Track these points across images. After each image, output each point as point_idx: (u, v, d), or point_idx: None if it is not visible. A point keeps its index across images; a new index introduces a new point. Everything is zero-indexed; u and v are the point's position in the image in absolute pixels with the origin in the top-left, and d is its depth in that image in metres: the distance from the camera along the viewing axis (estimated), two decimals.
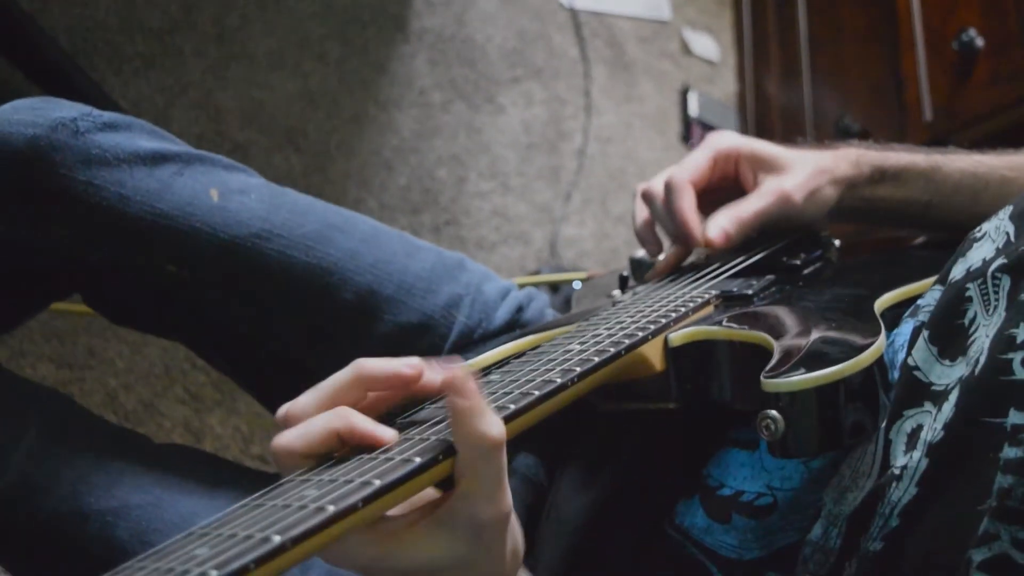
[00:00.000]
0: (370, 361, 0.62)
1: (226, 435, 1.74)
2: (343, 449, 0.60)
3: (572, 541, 0.88)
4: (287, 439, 0.59)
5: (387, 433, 0.60)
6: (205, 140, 1.92)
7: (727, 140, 0.99)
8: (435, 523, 0.59)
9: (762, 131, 2.58)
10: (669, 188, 0.97)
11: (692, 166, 0.98)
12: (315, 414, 0.61)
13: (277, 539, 0.47)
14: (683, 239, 0.97)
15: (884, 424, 0.74)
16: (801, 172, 0.96)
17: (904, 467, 0.71)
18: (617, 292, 1.03)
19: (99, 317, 1.05)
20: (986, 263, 0.76)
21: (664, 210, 0.98)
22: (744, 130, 2.63)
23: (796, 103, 2.45)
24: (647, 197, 1.00)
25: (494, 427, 0.57)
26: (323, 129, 2.08)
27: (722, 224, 0.95)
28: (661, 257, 1.03)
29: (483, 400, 0.57)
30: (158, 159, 0.94)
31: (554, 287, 2.00)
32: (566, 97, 2.43)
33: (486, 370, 0.82)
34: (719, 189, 1.00)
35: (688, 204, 0.96)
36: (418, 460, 0.56)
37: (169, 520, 0.88)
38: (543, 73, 2.42)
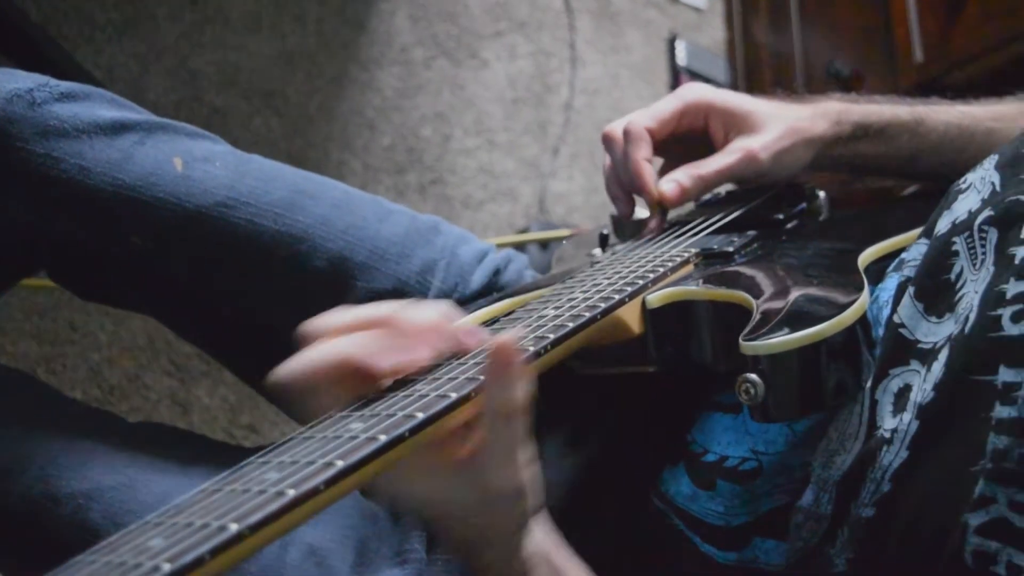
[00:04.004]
0: (405, 315, 0.62)
1: (214, 406, 1.72)
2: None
3: (555, 509, 0.86)
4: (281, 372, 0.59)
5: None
6: (183, 107, 1.89)
7: (699, 93, 0.97)
8: (450, 470, 0.59)
9: (752, 79, 2.55)
10: (626, 136, 0.94)
11: (655, 115, 0.95)
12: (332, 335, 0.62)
13: (234, 527, 0.45)
14: (636, 191, 0.95)
15: (869, 384, 0.71)
16: (771, 131, 0.94)
17: (895, 430, 0.69)
18: (597, 251, 1.01)
19: None
20: (972, 215, 0.73)
21: (621, 158, 0.95)
22: (733, 78, 2.59)
23: (786, 49, 2.41)
24: (607, 142, 0.98)
25: (520, 396, 0.57)
26: (303, 91, 2.04)
27: (678, 178, 0.93)
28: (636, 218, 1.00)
29: (523, 370, 0.57)
30: (119, 128, 0.91)
31: (543, 244, 1.97)
32: (551, 49, 2.39)
33: None
34: (687, 139, 0.97)
35: (644, 155, 0.94)
36: (383, 438, 0.53)
37: (143, 501, 0.86)
38: (527, 25, 2.38)
